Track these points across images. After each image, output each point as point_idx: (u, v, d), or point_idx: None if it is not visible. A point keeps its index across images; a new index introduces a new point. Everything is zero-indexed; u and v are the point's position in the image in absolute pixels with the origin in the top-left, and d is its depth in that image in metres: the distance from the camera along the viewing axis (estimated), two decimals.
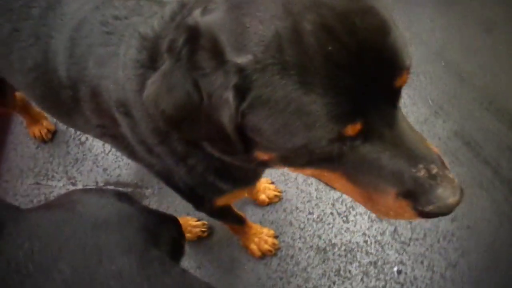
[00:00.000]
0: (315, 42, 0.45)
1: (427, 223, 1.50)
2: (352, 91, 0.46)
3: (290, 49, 0.45)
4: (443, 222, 1.50)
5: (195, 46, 0.49)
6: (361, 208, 1.54)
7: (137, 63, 0.64)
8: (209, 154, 0.65)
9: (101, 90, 0.73)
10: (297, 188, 1.60)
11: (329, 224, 1.53)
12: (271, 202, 1.56)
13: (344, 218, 1.54)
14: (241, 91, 0.47)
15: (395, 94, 0.51)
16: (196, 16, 0.50)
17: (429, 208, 0.50)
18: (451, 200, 0.50)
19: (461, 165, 1.59)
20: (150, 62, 0.62)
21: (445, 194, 0.50)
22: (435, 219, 1.49)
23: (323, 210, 1.56)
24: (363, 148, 0.50)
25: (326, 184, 0.61)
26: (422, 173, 0.50)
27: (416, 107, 1.73)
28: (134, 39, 0.65)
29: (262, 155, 0.57)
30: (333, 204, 1.56)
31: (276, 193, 1.56)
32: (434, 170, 0.50)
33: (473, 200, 1.52)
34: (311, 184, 1.58)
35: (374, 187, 0.53)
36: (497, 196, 1.52)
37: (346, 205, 1.56)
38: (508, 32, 1.92)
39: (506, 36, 1.91)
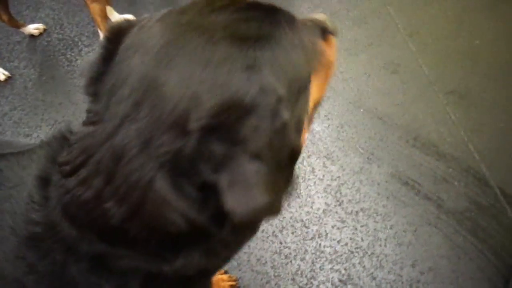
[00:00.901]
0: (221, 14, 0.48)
1: (390, 274, 1.45)
2: None
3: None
4: (405, 270, 1.45)
5: (192, 177, 0.44)
6: (322, 276, 1.45)
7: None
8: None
9: None
10: (252, 270, 1.49)
11: None
12: None
13: None
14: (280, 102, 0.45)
15: None
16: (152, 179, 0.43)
17: (329, 24, 0.64)
18: (322, 17, 0.64)
19: (405, 206, 1.59)
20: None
21: (320, 16, 0.64)
22: (397, 270, 1.45)
23: None
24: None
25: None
26: (308, 23, 0.60)
27: (349, 158, 1.74)
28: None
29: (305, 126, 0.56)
30: (293, 279, 1.47)
31: (231, 283, 1.44)
32: (309, 19, 0.61)
33: (427, 239, 1.51)
34: (266, 262, 1.49)
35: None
36: (447, 230, 1.52)
37: (306, 276, 1.47)
38: (411, 70, 2.06)
39: (410, 74, 2.04)
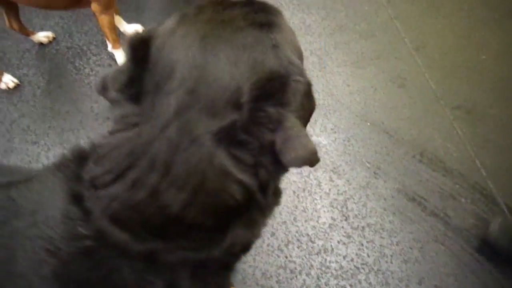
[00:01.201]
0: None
1: None
2: None
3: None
4: None
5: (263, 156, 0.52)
6: None
7: None
8: None
9: None
10: (257, 284, 1.48)
11: None
12: None
13: None
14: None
15: None
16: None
17: None
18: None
19: (412, 222, 1.59)
20: None
21: None
22: (402, 287, 1.44)
23: None
24: None
25: None
26: None
27: (355, 172, 1.74)
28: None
29: None
30: None
31: None
32: None
33: (433, 256, 1.50)
34: (271, 277, 1.48)
35: None
36: (454, 248, 1.51)
37: None
38: (418, 85, 2.06)
39: (417, 89, 2.04)
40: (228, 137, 0.49)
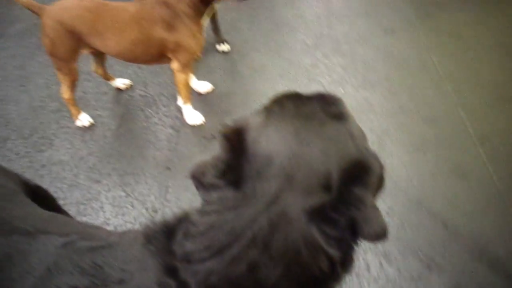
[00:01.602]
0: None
1: None
2: None
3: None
4: None
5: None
6: None
7: None
8: None
9: None
10: None
11: None
12: None
13: None
14: None
15: None
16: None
17: None
18: None
19: None
20: None
21: None
22: None
23: None
24: None
25: None
26: None
27: (407, 260, 1.66)
28: None
29: None
30: None
31: None
32: None
33: None
34: None
35: None
36: None
37: None
38: (481, 178, 1.99)
39: (479, 182, 1.97)
40: (319, 215, 0.56)
